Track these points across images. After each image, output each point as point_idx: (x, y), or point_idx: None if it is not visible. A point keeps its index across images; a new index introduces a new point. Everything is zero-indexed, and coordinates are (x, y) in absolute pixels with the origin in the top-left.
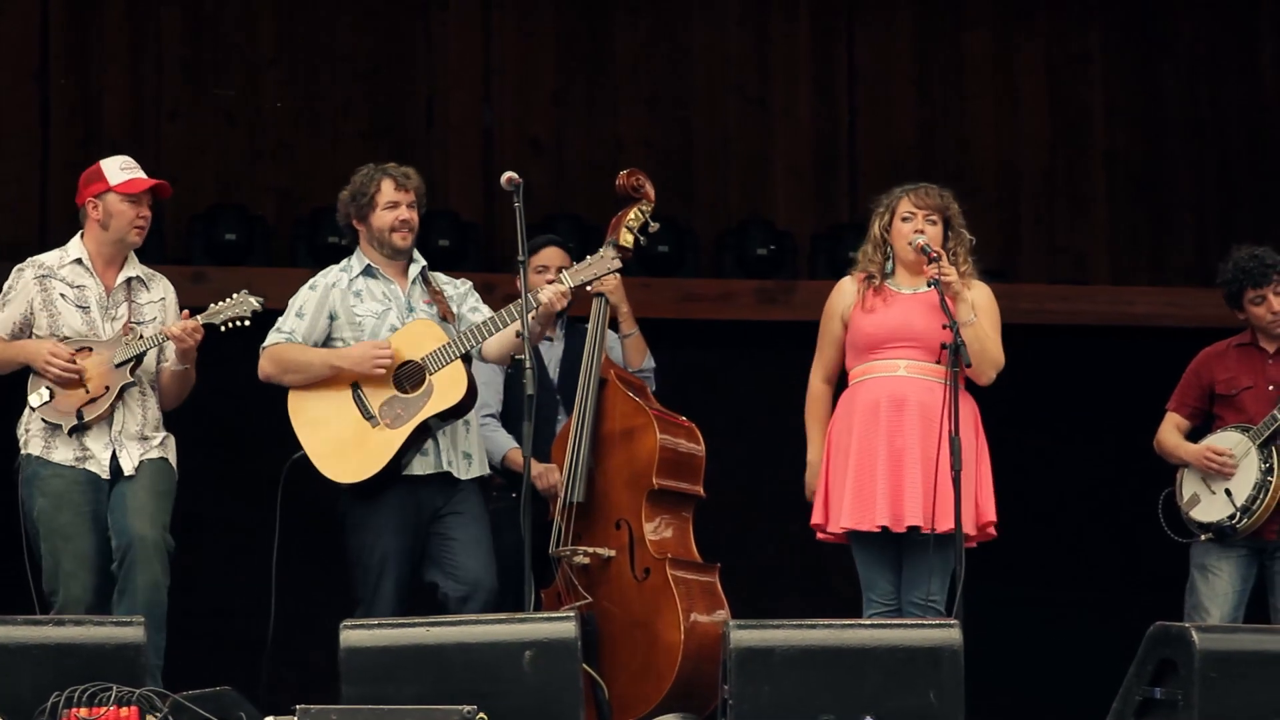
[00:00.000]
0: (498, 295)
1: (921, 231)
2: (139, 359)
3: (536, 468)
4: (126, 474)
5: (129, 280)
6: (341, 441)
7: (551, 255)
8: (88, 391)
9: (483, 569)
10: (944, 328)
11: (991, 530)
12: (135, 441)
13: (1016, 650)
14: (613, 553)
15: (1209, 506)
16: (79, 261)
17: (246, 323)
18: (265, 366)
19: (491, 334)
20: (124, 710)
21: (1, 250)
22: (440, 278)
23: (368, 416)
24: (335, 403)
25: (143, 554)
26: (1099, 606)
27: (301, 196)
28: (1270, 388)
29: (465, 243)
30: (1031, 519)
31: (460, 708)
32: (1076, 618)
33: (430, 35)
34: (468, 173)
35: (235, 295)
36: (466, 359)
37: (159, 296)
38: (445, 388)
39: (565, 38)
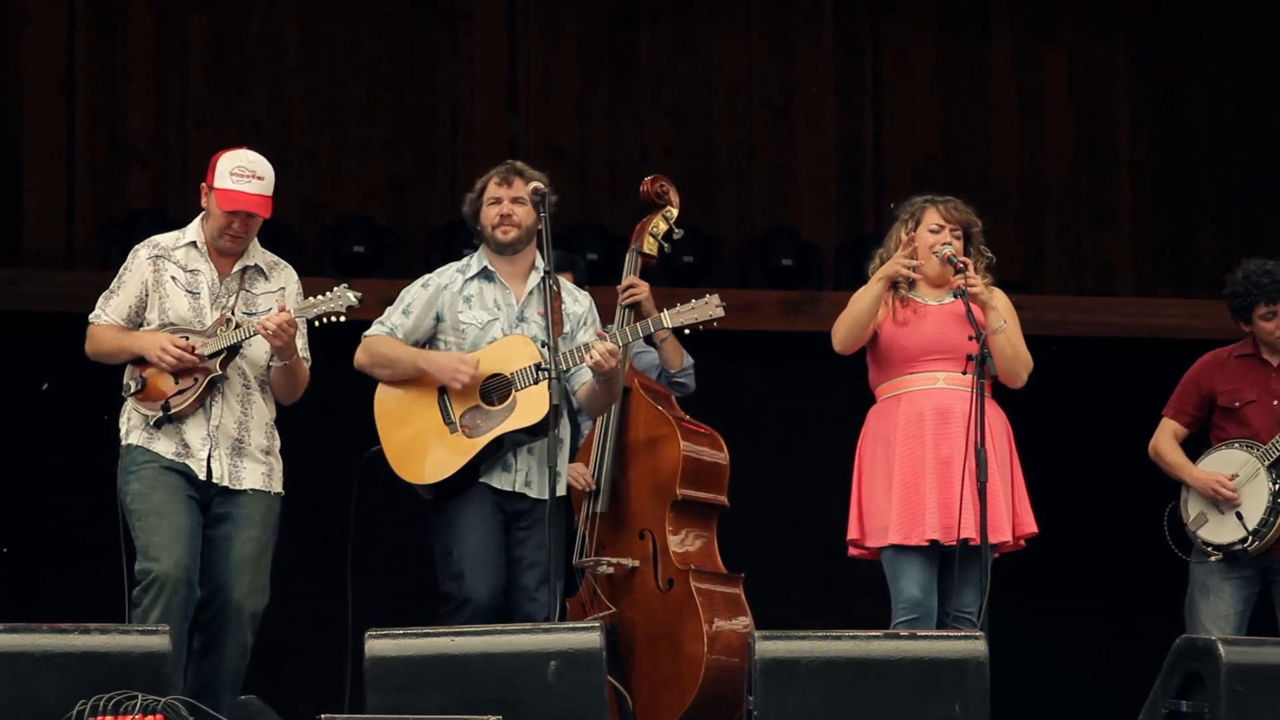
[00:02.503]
0: None
1: (949, 243)
2: (231, 351)
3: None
4: (217, 478)
5: (245, 269)
6: (417, 442)
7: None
8: (176, 382)
9: (542, 590)
10: (970, 338)
11: (1022, 542)
12: (230, 442)
13: (1042, 662)
14: (637, 563)
15: (1218, 527)
16: (194, 245)
17: (342, 318)
18: (360, 356)
19: (579, 364)
20: (149, 719)
21: (27, 259)
22: (567, 288)
23: (448, 422)
24: (419, 404)
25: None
26: (1125, 618)
27: (326, 206)
28: (1275, 402)
29: None
30: (1057, 531)
31: (485, 718)
32: (1103, 630)
33: (455, 45)
34: None
35: (334, 290)
36: (555, 379)
37: (278, 287)
38: (527, 406)
39: (589, 47)
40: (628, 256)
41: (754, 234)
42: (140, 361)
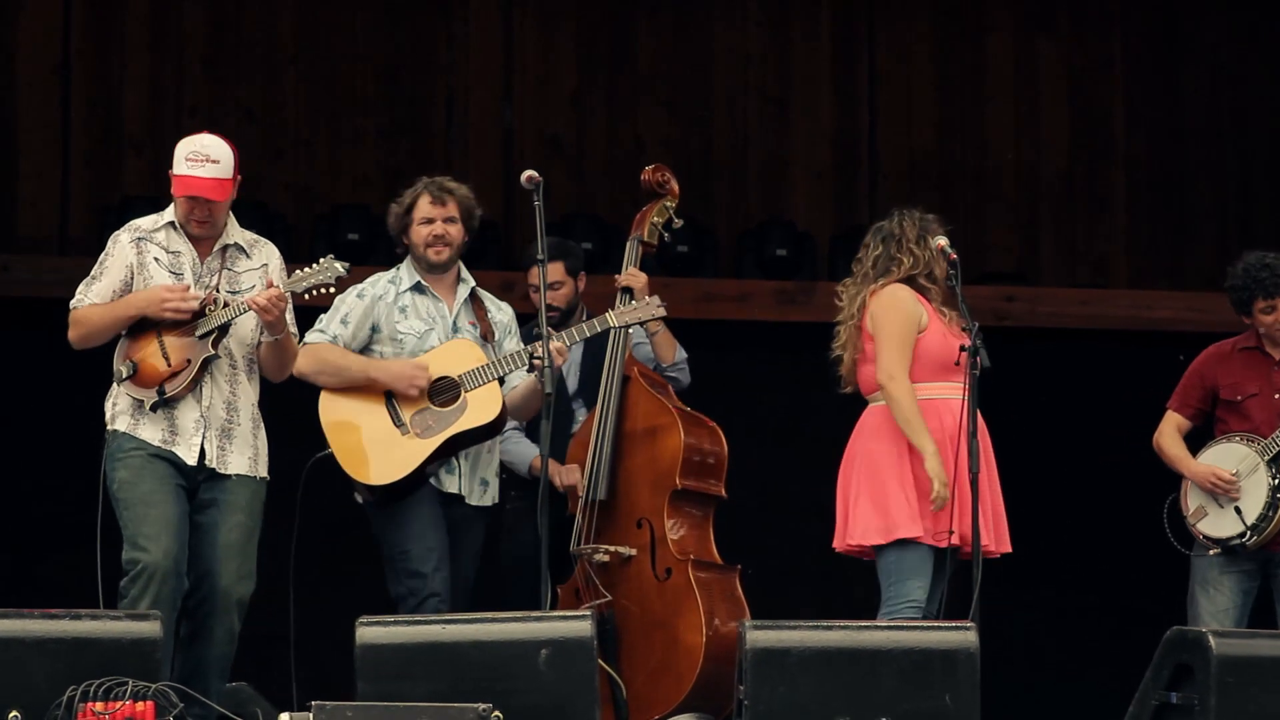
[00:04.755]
0: (516, 294)
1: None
2: (222, 330)
3: (555, 467)
4: (209, 462)
5: (225, 248)
6: (369, 444)
7: (552, 270)
8: (169, 365)
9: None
10: (963, 329)
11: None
12: (220, 423)
13: (1033, 653)
14: (633, 552)
15: (1217, 521)
16: (173, 226)
17: (332, 289)
18: (302, 364)
19: (524, 364)
20: (139, 705)
21: (23, 245)
22: (488, 298)
23: (398, 424)
24: (367, 407)
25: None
26: (1116, 610)
27: (320, 194)
28: (1276, 396)
29: (485, 241)
30: (1049, 523)
31: (476, 705)
32: (1093, 622)
33: (451, 34)
34: (487, 172)
35: (321, 261)
36: (501, 381)
37: (259, 264)
38: (479, 406)
39: (586, 38)
40: (629, 245)
41: (749, 224)
42: (133, 334)
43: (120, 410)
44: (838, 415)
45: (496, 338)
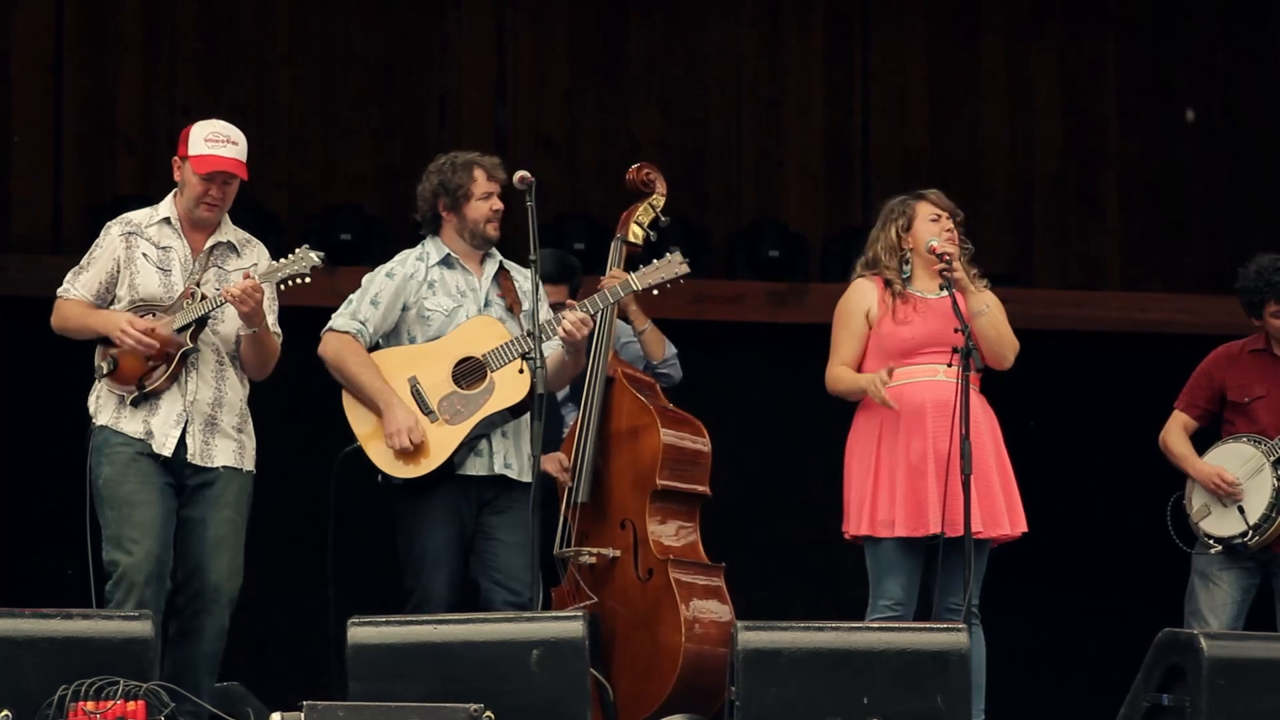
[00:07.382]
0: None
1: (950, 230)
2: (200, 323)
3: (549, 460)
4: (191, 455)
5: (216, 245)
6: None
7: (555, 293)
8: (148, 360)
9: (528, 573)
10: (955, 331)
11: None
12: (204, 418)
13: (1024, 655)
14: (618, 553)
15: (1220, 521)
16: (167, 221)
17: (307, 279)
18: (329, 353)
19: (551, 336)
20: (131, 705)
21: (15, 244)
22: (513, 267)
23: (426, 411)
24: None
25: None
26: (1108, 611)
27: (313, 194)
28: None
29: None
30: (1042, 524)
31: (467, 706)
32: (1085, 623)
33: (445, 33)
34: None
35: (296, 251)
36: (527, 357)
37: (250, 263)
38: (506, 385)
39: (579, 37)
40: (612, 245)
41: (742, 225)
42: (109, 341)
43: (103, 405)
44: (829, 416)
45: (525, 308)
